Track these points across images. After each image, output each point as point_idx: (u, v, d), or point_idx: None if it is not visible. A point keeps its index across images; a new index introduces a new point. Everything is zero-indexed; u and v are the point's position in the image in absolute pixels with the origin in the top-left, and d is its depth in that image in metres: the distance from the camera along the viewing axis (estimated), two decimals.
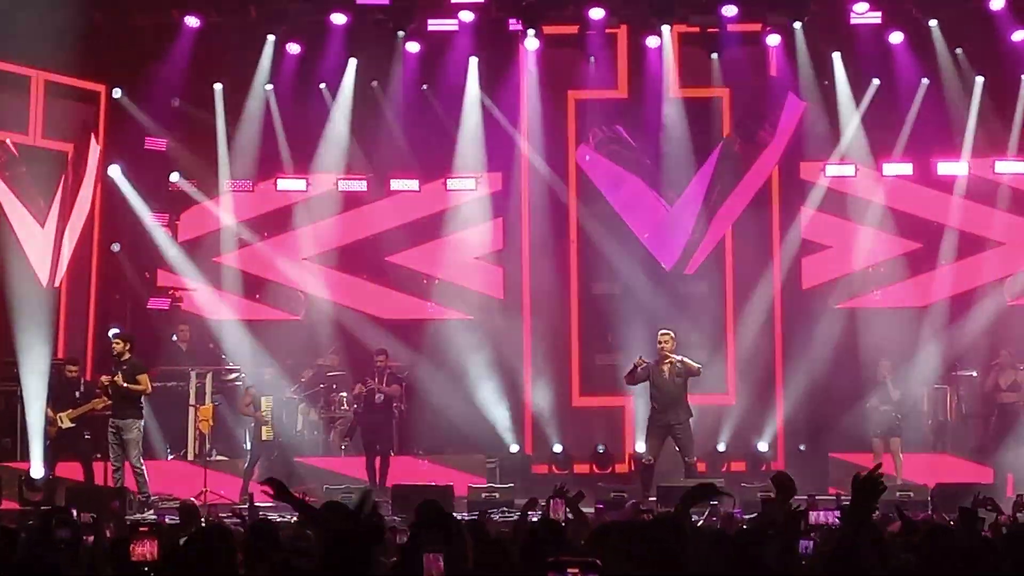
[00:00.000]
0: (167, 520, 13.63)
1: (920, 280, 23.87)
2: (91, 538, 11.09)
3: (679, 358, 19.43)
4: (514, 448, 23.26)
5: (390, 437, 21.67)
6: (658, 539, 8.06)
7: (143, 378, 19.22)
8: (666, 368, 19.32)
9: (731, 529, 12.19)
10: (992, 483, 20.26)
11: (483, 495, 19.29)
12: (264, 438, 21.20)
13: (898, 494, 18.68)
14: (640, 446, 20.94)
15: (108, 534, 12.33)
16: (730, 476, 22.00)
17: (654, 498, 17.80)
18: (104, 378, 19.62)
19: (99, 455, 20.00)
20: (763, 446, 23.23)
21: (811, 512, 9.44)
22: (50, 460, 20.28)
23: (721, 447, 23.21)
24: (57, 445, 20.31)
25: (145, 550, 8.51)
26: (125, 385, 19.05)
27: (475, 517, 14.48)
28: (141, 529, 8.63)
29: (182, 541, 8.78)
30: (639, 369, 19.37)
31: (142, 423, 19.32)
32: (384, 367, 21.59)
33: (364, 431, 21.67)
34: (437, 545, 8.15)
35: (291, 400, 21.98)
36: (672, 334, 19.60)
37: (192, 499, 17.30)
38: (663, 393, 19.33)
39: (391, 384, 21.55)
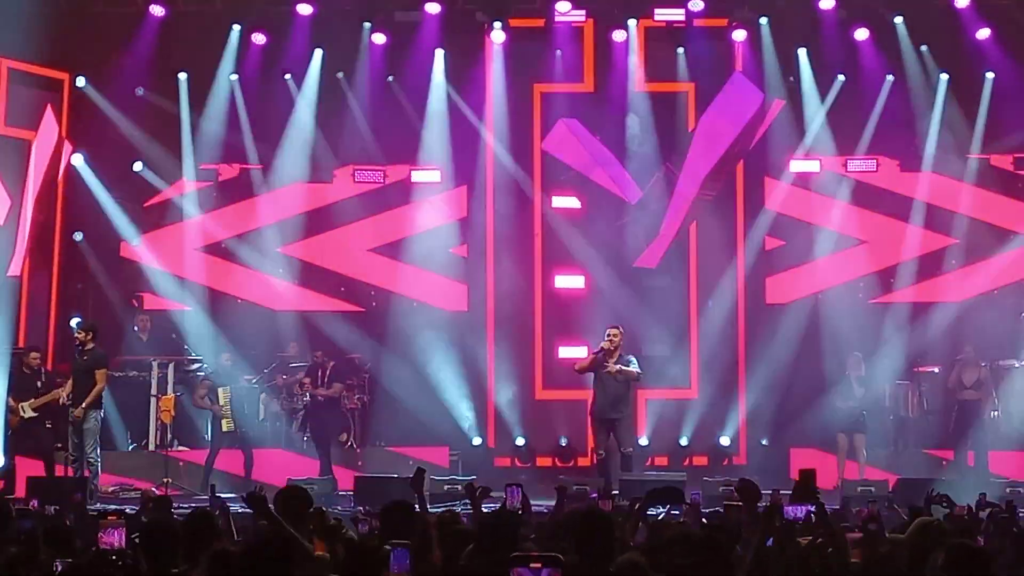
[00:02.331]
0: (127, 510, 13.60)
1: (884, 275, 23.92)
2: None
3: (628, 359, 19.43)
4: (477, 441, 23.26)
5: (334, 431, 21.68)
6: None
7: (100, 373, 19.08)
8: (612, 364, 19.32)
9: (696, 522, 12.20)
10: (953, 459, 20.43)
11: (446, 487, 19.25)
12: (224, 429, 21.11)
13: (859, 489, 18.77)
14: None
15: (68, 524, 12.29)
16: (692, 470, 22.08)
17: (616, 491, 17.78)
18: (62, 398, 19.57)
19: (60, 445, 19.90)
20: (725, 440, 23.28)
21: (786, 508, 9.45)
22: (10, 450, 20.17)
23: (683, 441, 23.27)
24: (19, 435, 20.20)
25: (113, 538, 8.46)
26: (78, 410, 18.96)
27: (439, 510, 14.44)
28: (110, 517, 8.58)
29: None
30: (596, 357, 19.42)
31: (99, 413, 19.20)
32: (323, 365, 21.59)
33: (313, 425, 21.70)
34: (402, 540, 8.18)
35: (251, 389, 21.84)
36: (620, 330, 19.61)
37: (152, 489, 17.28)
38: (607, 388, 19.37)
39: (331, 384, 21.55)
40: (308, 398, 21.72)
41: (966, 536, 9.32)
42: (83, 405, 18.96)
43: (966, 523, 11.62)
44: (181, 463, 21.30)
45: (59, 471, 19.60)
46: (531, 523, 11.13)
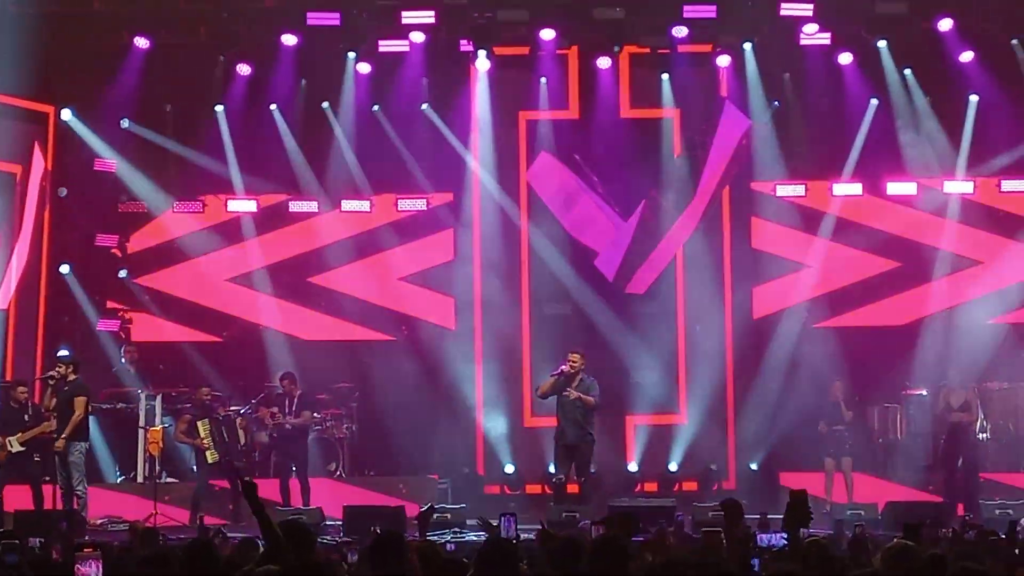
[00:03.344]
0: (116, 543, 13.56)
1: (870, 299, 23.97)
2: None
3: (589, 384, 19.42)
4: (466, 469, 23.22)
5: (305, 459, 21.60)
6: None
7: (79, 401, 19.00)
8: (572, 389, 19.32)
9: (686, 545, 12.23)
10: (942, 501, 20.39)
11: (435, 516, 19.19)
12: (210, 461, 21.01)
13: (848, 513, 18.76)
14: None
15: (55, 556, 12.27)
16: (682, 495, 22.04)
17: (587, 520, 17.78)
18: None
19: (48, 478, 19.83)
20: (715, 465, 23.26)
21: (760, 535, 9.52)
22: None
23: (673, 467, 23.27)
24: (7, 469, 20.13)
25: (89, 570, 8.42)
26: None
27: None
28: (86, 549, 8.53)
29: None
30: (557, 381, 19.41)
31: (84, 446, 19.11)
32: (290, 393, 21.55)
33: (278, 454, 21.64)
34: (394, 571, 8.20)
35: (228, 418, 21.68)
36: (582, 354, 19.62)
37: (141, 522, 17.21)
38: (567, 413, 19.45)
39: (300, 412, 21.51)
40: (272, 431, 21.62)
41: (970, 559, 9.30)
42: (63, 436, 18.93)
43: (970, 547, 11.62)
44: (168, 496, 21.16)
45: (48, 502, 19.54)
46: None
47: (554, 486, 19.53)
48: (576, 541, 9.01)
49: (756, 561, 9.25)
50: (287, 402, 21.54)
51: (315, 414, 22.10)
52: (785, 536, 9.28)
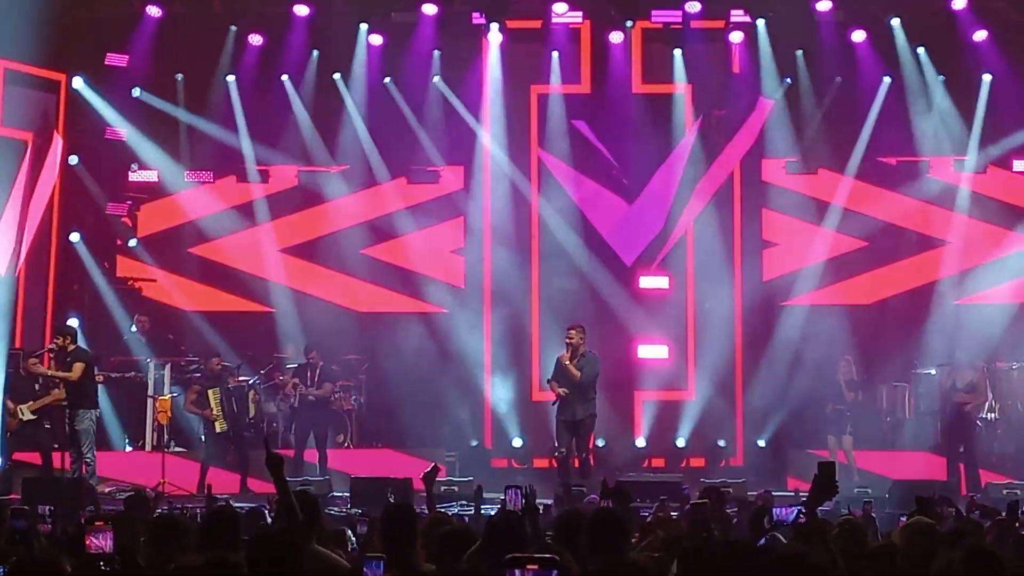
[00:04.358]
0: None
1: (879, 277, 23.95)
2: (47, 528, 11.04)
3: (590, 358, 19.28)
4: (474, 442, 23.26)
5: (327, 430, 21.78)
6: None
7: (77, 366, 18.80)
8: (572, 364, 19.16)
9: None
10: (946, 480, 20.38)
11: (442, 488, 19.22)
12: (218, 430, 21.06)
13: (856, 491, 18.75)
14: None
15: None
16: (689, 471, 22.06)
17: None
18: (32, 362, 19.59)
19: (57, 445, 19.88)
20: (722, 442, 23.28)
21: (775, 509, 9.52)
22: (8, 451, 20.16)
23: (681, 443, 23.28)
24: (17, 437, 20.19)
25: (101, 543, 8.40)
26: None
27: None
28: (97, 522, 8.51)
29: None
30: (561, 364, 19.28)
31: (93, 413, 18.98)
32: (313, 366, 21.62)
33: (299, 424, 21.70)
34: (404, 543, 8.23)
35: (240, 388, 21.73)
36: (581, 328, 19.45)
37: (148, 489, 17.25)
38: (569, 388, 19.19)
39: (322, 384, 21.59)
40: (296, 399, 21.72)
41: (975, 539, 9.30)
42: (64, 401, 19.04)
43: (974, 526, 11.61)
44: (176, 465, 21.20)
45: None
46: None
47: (559, 460, 19.41)
48: (577, 513, 9.02)
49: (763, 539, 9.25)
50: (309, 373, 21.59)
51: (336, 385, 22.18)
52: (801, 510, 9.26)
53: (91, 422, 18.89)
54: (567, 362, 19.04)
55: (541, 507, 14.43)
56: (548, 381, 19.47)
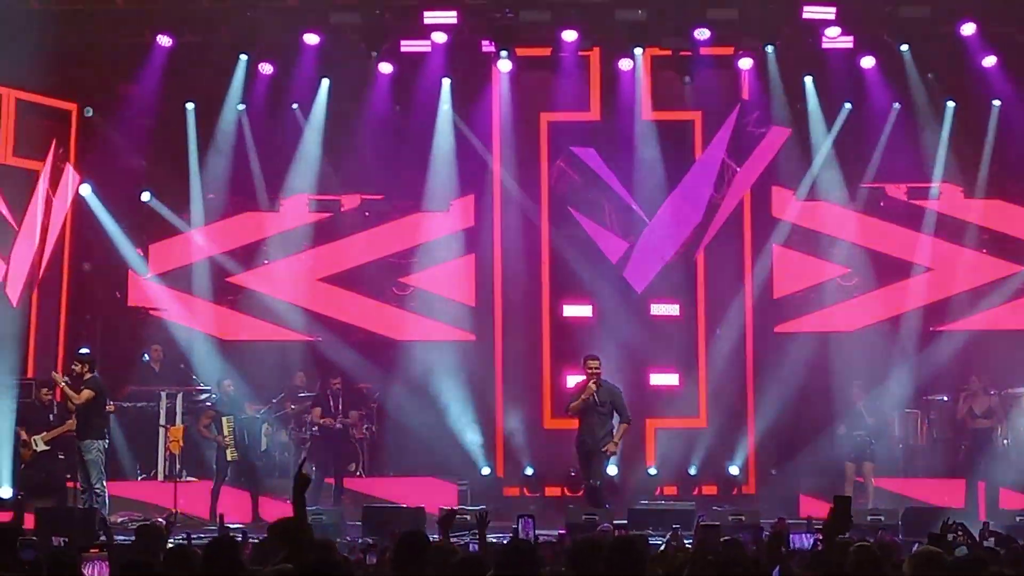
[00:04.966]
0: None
1: (890, 303, 23.90)
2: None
3: (614, 391, 19.24)
4: (485, 471, 23.22)
5: (344, 458, 21.87)
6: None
7: (84, 392, 18.64)
8: (594, 395, 19.12)
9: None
10: (963, 507, 20.32)
11: (456, 518, 19.14)
12: (229, 459, 21.06)
13: (868, 518, 18.69)
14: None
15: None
16: (701, 499, 22.02)
17: (623, 520, 17.70)
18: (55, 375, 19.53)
19: (70, 476, 19.86)
20: (734, 470, 23.23)
21: (792, 536, 9.54)
22: (23, 482, 20.15)
23: (692, 470, 23.22)
24: (32, 467, 20.20)
25: (95, 571, 8.41)
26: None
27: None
28: (92, 549, 8.50)
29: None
30: (584, 394, 19.18)
31: (102, 444, 18.77)
32: (334, 394, 21.63)
33: (321, 452, 21.65)
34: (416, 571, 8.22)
35: (254, 419, 21.76)
36: (599, 360, 19.30)
37: (160, 520, 17.20)
38: (589, 418, 19.15)
39: (349, 412, 21.64)
40: (316, 428, 21.72)
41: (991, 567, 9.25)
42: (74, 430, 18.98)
43: (990, 554, 11.56)
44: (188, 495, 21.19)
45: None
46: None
47: (588, 490, 19.30)
48: (595, 541, 9.00)
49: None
50: (331, 401, 21.58)
51: (362, 413, 22.22)
52: (819, 538, 9.27)
53: (99, 452, 18.74)
54: (595, 395, 18.97)
55: (554, 536, 14.45)
56: (567, 408, 19.46)
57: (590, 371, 19.03)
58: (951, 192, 23.85)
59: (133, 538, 13.59)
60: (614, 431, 19.15)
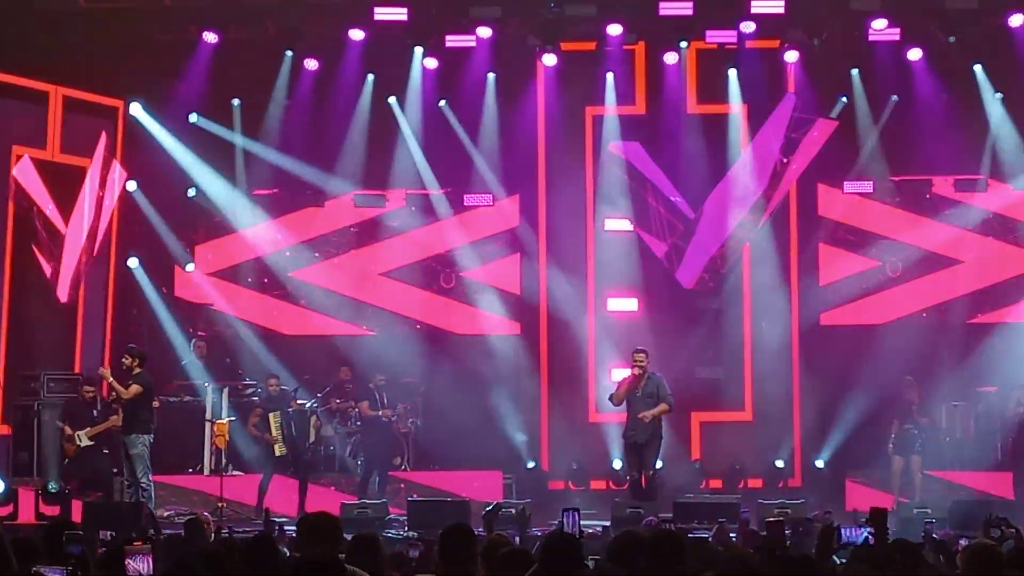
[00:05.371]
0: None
1: (936, 293, 23.78)
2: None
3: (657, 382, 19.28)
4: (530, 464, 23.23)
5: (389, 451, 22.00)
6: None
7: (133, 387, 18.79)
8: (640, 388, 19.18)
9: (752, 544, 12.17)
10: (1012, 499, 20.23)
11: (500, 512, 19.14)
12: (277, 454, 21.12)
13: (915, 511, 18.61)
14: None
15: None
16: (747, 492, 21.94)
17: (669, 514, 17.69)
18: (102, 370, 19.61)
19: (116, 470, 19.98)
20: (780, 463, 23.16)
21: (843, 529, 9.51)
22: (67, 476, 20.27)
23: (738, 464, 23.15)
24: (76, 463, 20.32)
25: (140, 565, 8.44)
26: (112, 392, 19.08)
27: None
28: (135, 543, 8.53)
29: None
30: (629, 384, 19.25)
31: (147, 438, 18.91)
32: (377, 388, 21.67)
33: (371, 446, 21.71)
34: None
35: (302, 412, 21.83)
36: (647, 353, 19.45)
37: (206, 513, 17.30)
38: (635, 411, 19.20)
39: (397, 405, 21.74)
40: (360, 422, 21.78)
41: None
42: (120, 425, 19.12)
43: None
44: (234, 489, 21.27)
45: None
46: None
47: (630, 484, 19.39)
48: (635, 535, 8.99)
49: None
50: (377, 396, 21.61)
51: (398, 407, 22.33)
52: (871, 531, 9.23)
53: (144, 447, 18.85)
54: (639, 386, 19.01)
55: (600, 528, 14.45)
56: (610, 396, 19.51)
57: (636, 364, 19.09)
58: (998, 185, 23.66)
59: (181, 532, 13.77)
60: (661, 425, 19.21)
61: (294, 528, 12.41)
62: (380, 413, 21.54)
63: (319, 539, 8.84)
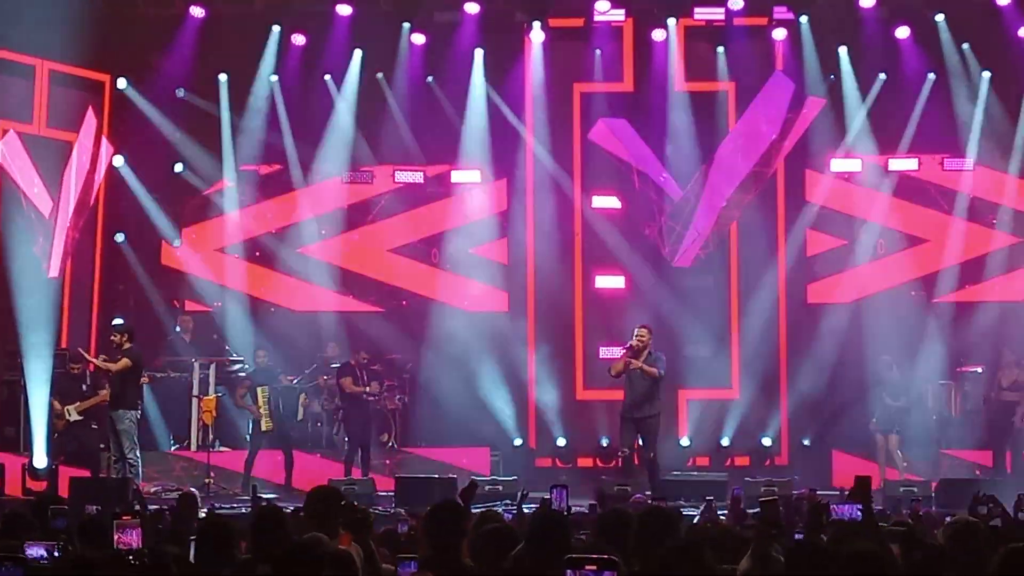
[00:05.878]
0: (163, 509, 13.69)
1: (925, 275, 23.78)
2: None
3: (656, 357, 19.22)
4: (517, 441, 23.24)
5: (377, 428, 22.06)
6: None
7: (122, 360, 18.74)
8: (644, 362, 19.10)
9: (740, 521, 12.19)
10: (991, 466, 20.32)
11: (487, 488, 19.18)
12: (263, 429, 21.12)
13: (902, 490, 18.67)
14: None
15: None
16: (734, 470, 22.02)
17: (649, 491, 17.68)
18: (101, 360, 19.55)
19: (104, 446, 19.95)
20: (767, 440, 23.20)
21: (834, 507, 9.52)
22: (55, 451, 20.25)
23: (725, 441, 23.22)
24: (65, 437, 20.29)
25: (128, 538, 8.42)
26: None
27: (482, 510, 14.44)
28: (124, 517, 8.52)
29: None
30: (626, 357, 19.18)
31: (134, 414, 18.89)
32: (362, 365, 21.62)
33: (355, 424, 21.61)
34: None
35: (291, 389, 21.82)
36: (650, 329, 19.40)
37: (193, 489, 17.29)
38: (635, 386, 19.08)
39: (371, 382, 21.63)
40: (341, 399, 21.70)
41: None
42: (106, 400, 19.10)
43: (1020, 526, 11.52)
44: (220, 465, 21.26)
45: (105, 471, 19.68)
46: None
47: (623, 460, 19.31)
48: (623, 512, 8.99)
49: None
50: (359, 373, 21.57)
51: (392, 384, 22.33)
52: (860, 508, 9.27)
53: (131, 423, 18.82)
54: (639, 360, 18.94)
55: (587, 507, 14.45)
56: (610, 368, 19.47)
57: (638, 338, 19.08)
58: (985, 164, 23.65)
59: (172, 507, 13.80)
60: (658, 399, 19.13)
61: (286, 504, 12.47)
62: (363, 390, 21.45)
63: (330, 514, 8.90)
